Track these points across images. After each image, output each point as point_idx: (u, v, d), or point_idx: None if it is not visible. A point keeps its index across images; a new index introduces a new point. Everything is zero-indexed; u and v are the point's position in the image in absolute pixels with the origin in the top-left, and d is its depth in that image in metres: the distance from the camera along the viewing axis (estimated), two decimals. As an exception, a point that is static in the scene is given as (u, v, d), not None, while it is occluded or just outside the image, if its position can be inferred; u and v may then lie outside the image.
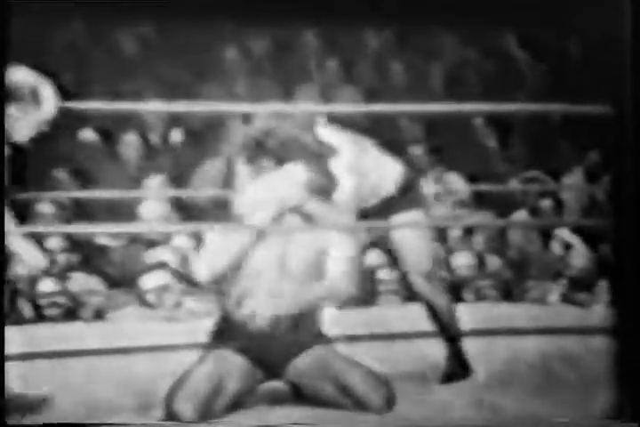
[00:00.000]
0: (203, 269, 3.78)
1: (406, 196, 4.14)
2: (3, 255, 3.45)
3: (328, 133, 3.97)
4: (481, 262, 6.40)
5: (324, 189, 3.87)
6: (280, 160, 3.84)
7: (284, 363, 3.70)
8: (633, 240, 3.21)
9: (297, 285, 3.73)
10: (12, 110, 3.59)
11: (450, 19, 7.02)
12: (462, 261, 6.38)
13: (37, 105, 3.61)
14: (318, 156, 3.90)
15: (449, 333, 4.31)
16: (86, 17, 7.03)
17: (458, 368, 4.22)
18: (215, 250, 3.77)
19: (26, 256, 3.88)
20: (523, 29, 7.45)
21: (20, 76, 3.60)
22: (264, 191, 3.80)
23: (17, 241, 3.81)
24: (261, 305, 3.70)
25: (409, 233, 4.19)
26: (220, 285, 3.82)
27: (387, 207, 4.11)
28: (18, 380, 3.71)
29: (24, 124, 3.61)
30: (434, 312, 4.31)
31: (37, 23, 6.57)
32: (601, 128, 6.08)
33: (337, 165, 3.91)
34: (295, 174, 3.82)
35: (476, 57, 7.51)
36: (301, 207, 3.79)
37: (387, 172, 4.14)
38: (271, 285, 3.72)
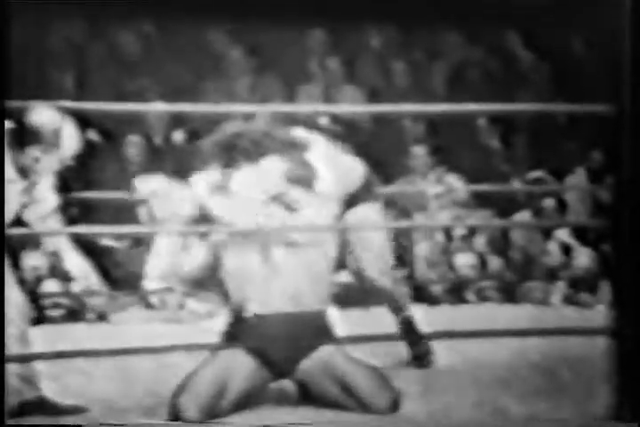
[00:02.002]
0: (153, 275, 3.85)
1: (364, 192, 4.17)
2: (2, 255, 3.42)
3: (299, 131, 4.00)
4: (483, 263, 6.45)
5: (305, 179, 3.89)
6: (254, 158, 3.86)
7: (293, 363, 3.71)
8: (635, 240, 3.22)
9: (289, 282, 3.76)
10: (34, 152, 3.64)
11: (453, 18, 7.06)
12: (464, 261, 6.42)
13: (59, 144, 3.65)
14: (294, 148, 3.93)
15: (409, 324, 4.36)
16: (88, 17, 7.06)
17: (420, 355, 4.31)
18: (162, 255, 3.85)
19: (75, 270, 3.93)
20: (525, 29, 7.48)
21: (42, 117, 3.63)
22: (245, 187, 3.84)
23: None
24: (260, 306, 3.73)
25: (370, 231, 4.26)
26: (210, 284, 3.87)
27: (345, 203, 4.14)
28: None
29: (47, 164, 3.66)
30: (396, 306, 4.35)
31: (38, 23, 6.59)
32: (604, 128, 6.09)
33: (314, 157, 3.95)
34: (273, 166, 3.85)
35: (479, 57, 7.54)
36: (284, 196, 3.82)
37: (352, 167, 4.20)
38: (265, 285, 3.75)
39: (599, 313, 5.93)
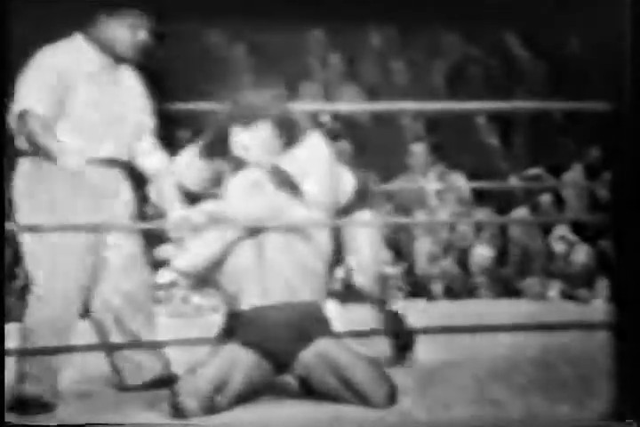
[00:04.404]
0: (183, 261, 3.86)
1: (359, 200, 4.18)
2: (2, 255, 3.41)
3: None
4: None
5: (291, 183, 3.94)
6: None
7: (292, 356, 3.74)
8: (633, 235, 3.20)
9: (281, 276, 3.79)
10: None
11: (452, 18, 7.09)
12: (482, 253, 6.45)
13: None
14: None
15: (395, 327, 4.34)
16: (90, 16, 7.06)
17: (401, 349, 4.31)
18: (200, 245, 3.85)
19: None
20: (524, 28, 7.50)
21: None
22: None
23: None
24: (255, 299, 3.75)
25: (360, 233, 4.22)
26: (211, 280, 3.89)
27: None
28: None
29: None
30: (382, 308, 4.34)
31: (40, 20, 6.58)
32: (601, 125, 6.12)
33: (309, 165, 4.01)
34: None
35: (477, 55, 7.56)
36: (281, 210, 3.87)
37: (343, 180, 4.26)
38: (258, 279, 3.78)
39: (596, 308, 5.96)
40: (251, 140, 3.85)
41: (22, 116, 3.61)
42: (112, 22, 3.78)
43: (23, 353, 3.63)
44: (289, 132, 3.88)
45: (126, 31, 3.78)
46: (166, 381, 3.80)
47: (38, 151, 3.64)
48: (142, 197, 3.98)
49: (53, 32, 6.95)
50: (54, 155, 3.60)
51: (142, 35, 3.80)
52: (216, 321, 3.87)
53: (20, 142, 3.71)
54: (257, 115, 3.87)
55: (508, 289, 6.35)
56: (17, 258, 6.12)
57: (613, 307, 3.12)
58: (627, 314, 3.10)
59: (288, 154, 3.90)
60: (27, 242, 3.73)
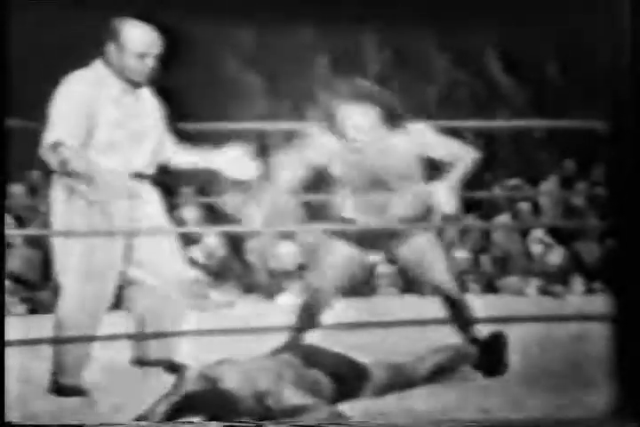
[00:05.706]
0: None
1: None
2: (2, 253, 3.46)
3: None
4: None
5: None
6: None
7: None
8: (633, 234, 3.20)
9: None
10: None
11: (442, 43, 7.48)
12: (461, 255, 6.73)
13: None
14: None
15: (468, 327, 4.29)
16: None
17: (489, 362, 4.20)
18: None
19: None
20: (508, 54, 7.85)
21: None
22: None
23: None
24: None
25: (426, 245, 4.19)
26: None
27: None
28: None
29: None
30: (458, 310, 4.24)
31: (39, 22, 6.74)
32: (577, 140, 6.51)
33: None
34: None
35: (464, 79, 7.95)
36: None
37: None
38: None
39: (570, 303, 6.31)
40: (362, 119, 3.84)
41: (55, 147, 3.70)
42: (121, 50, 3.85)
43: (56, 342, 3.76)
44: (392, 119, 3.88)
45: (135, 59, 3.83)
46: (173, 367, 3.98)
47: (71, 176, 3.76)
48: (170, 205, 4.13)
49: (56, 36, 7.13)
50: (90, 178, 3.71)
51: (150, 62, 3.87)
52: (232, 314, 4.11)
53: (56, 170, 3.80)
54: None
55: (490, 286, 6.61)
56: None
57: (614, 301, 3.20)
58: (624, 309, 3.19)
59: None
60: (59, 245, 3.85)
